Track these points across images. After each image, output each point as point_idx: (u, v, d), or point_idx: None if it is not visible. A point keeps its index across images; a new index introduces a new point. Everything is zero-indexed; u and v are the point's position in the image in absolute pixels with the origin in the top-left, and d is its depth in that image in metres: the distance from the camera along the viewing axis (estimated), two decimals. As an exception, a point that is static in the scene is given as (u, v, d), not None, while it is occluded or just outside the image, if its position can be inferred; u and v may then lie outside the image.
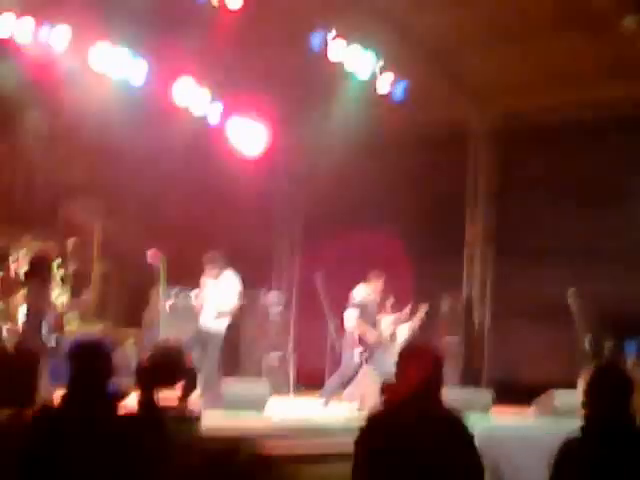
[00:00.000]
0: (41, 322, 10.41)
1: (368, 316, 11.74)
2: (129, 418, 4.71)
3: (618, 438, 3.96)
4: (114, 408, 4.68)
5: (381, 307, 12.13)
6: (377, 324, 11.91)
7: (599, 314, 12.53)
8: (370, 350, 11.62)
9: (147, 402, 5.03)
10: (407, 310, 12.15)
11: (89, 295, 13.72)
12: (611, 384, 4.11)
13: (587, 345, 12.46)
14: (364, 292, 11.83)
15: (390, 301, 12.31)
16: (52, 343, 10.40)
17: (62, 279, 12.83)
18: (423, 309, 12.37)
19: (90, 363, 4.73)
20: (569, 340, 12.81)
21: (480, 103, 15.58)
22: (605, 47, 12.87)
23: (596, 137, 14.04)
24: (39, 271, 10.87)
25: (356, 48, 13.19)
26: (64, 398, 4.71)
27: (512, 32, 12.97)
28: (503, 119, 15.51)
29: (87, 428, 4.48)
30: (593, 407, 4.10)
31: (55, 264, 12.11)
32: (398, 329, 12.26)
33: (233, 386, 9.78)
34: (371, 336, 11.61)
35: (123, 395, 4.76)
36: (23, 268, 13.71)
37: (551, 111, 14.80)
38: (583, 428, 4.08)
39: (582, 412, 4.22)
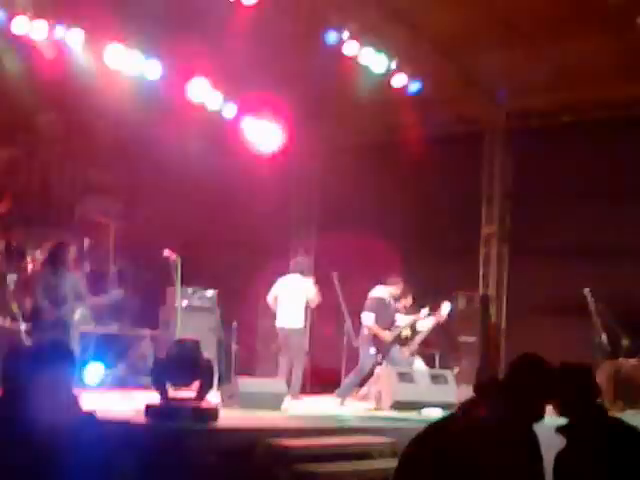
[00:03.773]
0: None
1: (385, 317, 11.71)
2: None
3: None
4: None
5: (400, 308, 12.11)
6: (394, 325, 11.89)
7: (615, 312, 12.48)
8: (386, 349, 11.61)
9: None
10: (425, 312, 12.12)
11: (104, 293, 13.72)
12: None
13: (603, 343, 12.42)
14: (380, 294, 11.81)
15: (408, 300, 12.27)
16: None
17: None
18: (446, 307, 12.34)
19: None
20: (585, 338, 12.77)
21: (495, 102, 15.55)
22: (621, 46, 12.82)
23: (612, 135, 13.98)
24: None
25: (370, 49, 13.14)
26: None
27: (527, 30, 12.93)
28: (519, 117, 15.48)
29: None
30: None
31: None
32: (418, 325, 12.24)
33: (250, 385, 9.78)
34: (386, 337, 11.61)
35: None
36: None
37: (567, 109, 14.77)
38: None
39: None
